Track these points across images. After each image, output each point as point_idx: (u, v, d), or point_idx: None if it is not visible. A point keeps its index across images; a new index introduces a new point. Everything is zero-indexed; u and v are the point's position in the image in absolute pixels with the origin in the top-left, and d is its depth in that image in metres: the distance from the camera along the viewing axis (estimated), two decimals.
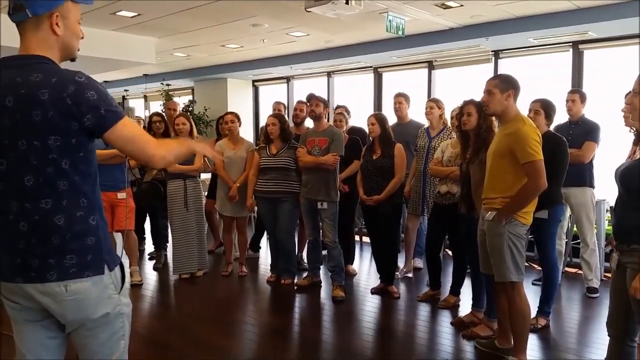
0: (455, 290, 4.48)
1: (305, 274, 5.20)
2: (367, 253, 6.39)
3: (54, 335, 1.74)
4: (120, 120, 1.63)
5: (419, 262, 5.68)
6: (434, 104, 5.20)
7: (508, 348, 3.29)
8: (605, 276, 4.97)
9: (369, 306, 4.58)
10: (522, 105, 3.77)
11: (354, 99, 8.30)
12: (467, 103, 3.82)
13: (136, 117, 10.24)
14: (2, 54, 1.76)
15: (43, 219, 1.59)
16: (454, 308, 4.38)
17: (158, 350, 3.69)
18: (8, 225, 1.61)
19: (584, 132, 4.58)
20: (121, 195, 4.62)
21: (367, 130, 4.85)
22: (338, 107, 5.96)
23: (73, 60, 1.74)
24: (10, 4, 1.64)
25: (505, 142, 3.10)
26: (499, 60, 6.97)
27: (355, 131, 5.66)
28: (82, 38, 1.75)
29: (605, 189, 4.71)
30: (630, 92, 2.36)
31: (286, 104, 9.39)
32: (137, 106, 12.64)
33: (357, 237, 6.30)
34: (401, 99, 5.55)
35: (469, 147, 3.83)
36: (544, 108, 3.88)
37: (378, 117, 4.68)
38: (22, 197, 1.59)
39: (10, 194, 1.60)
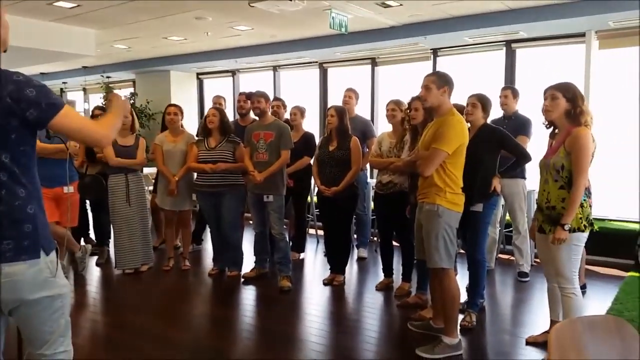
0: (407, 276, 4.62)
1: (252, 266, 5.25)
2: (313, 245, 6.51)
3: None
4: (61, 111, 1.76)
5: (364, 252, 5.87)
6: None
7: (442, 327, 3.51)
8: (535, 261, 5.30)
9: (316, 295, 4.70)
10: (459, 100, 3.97)
11: (300, 93, 8.37)
12: (414, 99, 4.01)
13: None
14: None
15: None
16: (408, 295, 4.48)
17: (103, 345, 3.68)
18: None
19: (516, 126, 4.82)
20: (67, 189, 4.51)
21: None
22: (276, 99, 5.99)
23: (4, 51, 1.82)
24: None
25: (431, 134, 3.31)
26: (437, 58, 7.24)
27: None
28: None
29: (535, 180, 4.99)
30: None
31: (232, 98, 9.38)
32: (76, 99, 12.21)
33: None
34: (351, 94, 5.69)
35: (418, 139, 4.00)
36: (481, 101, 4.03)
37: (338, 110, 4.77)
38: None
39: None
